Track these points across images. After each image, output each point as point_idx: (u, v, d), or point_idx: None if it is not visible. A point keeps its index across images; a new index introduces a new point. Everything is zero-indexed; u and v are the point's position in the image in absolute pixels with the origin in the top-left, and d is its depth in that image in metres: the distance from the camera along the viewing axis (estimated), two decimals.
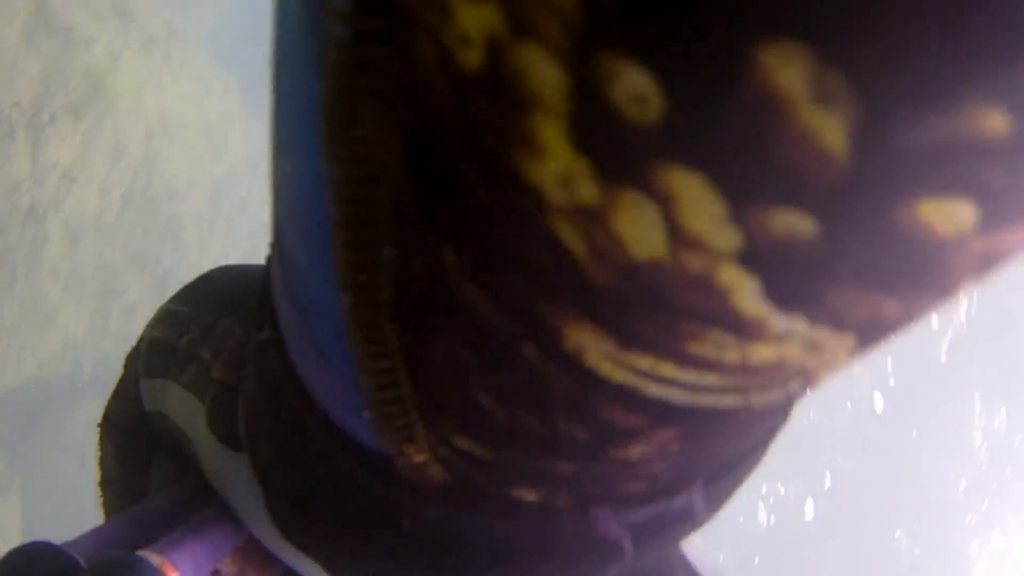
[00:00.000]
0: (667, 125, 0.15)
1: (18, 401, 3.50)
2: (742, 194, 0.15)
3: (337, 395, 0.30)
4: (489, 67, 0.16)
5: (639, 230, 0.17)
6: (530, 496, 0.27)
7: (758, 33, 0.13)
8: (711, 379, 0.20)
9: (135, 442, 0.60)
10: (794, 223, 0.16)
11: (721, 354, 0.19)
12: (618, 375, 0.20)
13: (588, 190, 0.16)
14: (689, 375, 0.20)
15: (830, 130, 0.14)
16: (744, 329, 0.18)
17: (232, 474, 0.47)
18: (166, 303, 0.57)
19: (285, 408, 0.33)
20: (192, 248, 4.27)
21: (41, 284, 3.52)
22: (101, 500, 0.64)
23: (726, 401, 0.21)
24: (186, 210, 4.24)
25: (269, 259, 0.33)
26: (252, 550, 0.53)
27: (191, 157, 4.25)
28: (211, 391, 0.48)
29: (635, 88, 0.15)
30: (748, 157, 0.15)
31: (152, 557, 0.45)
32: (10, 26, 3.15)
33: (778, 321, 0.18)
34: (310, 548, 0.38)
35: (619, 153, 0.16)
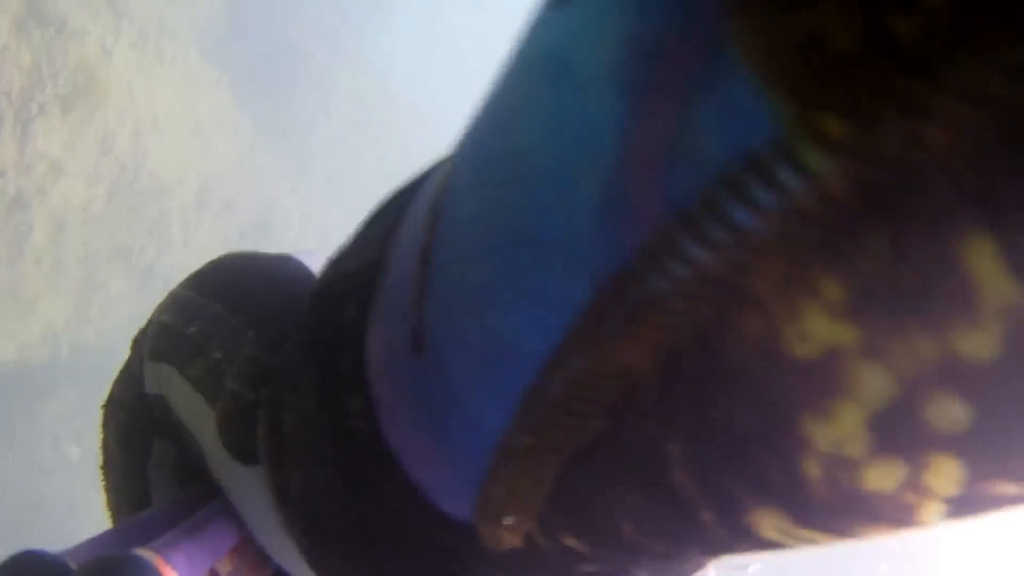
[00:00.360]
0: (962, 436, 0.18)
1: None
2: (985, 477, 0.18)
3: (443, 479, 0.30)
4: (816, 362, 0.18)
5: (882, 479, 0.19)
6: (590, 568, 0.30)
7: None
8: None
9: (137, 424, 0.60)
10: (1007, 490, 0.19)
11: (873, 534, 0.22)
12: (774, 536, 0.23)
13: (856, 451, 0.19)
14: (833, 540, 0.23)
15: None
16: (906, 526, 0.21)
17: (240, 485, 0.48)
18: (176, 287, 0.57)
19: (355, 462, 0.34)
20: (178, 243, 4.31)
21: (24, 271, 3.56)
22: (103, 484, 0.64)
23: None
24: (173, 205, 4.27)
25: (337, 321, 0.35)
26: (247, 550, 0.53)
27: (180, 153, 4.29)
28: (223, 399, 0.48)
29: (952, 416, 0.17)
30: (1010, 463, 0.18)
31: (146, 554, 0.45)
32: (1, 15, 3.20)
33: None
34: None
35: (909, 441, 0.18)
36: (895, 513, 0.20)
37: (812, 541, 0.23)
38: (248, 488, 0.47)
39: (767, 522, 0.22)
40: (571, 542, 0.27)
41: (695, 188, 0.19)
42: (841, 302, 0.17)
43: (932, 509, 0.20)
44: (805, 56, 0.16)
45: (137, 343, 0.60)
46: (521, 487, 0.26)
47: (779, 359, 0.19)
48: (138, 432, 0.60)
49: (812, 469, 0.20)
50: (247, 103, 4.80)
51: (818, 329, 0.18)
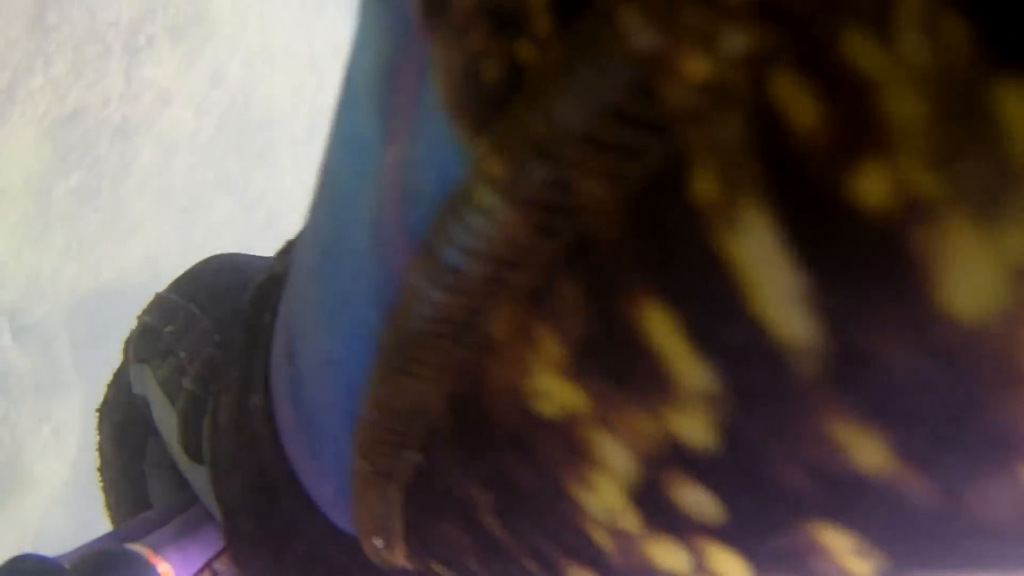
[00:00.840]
0: (722, 528, 0.16)
1: (93, 307, 3.68)
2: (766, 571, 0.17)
3: (321, 493, 0.30)
4: (563, 424, 0.17)
5: (669, 558, 0.18)
6: None
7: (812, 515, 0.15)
8: None
9: (130, 424, 0.61)
10: None
11: None
12: None
13: (631, 525, 0.18)
14: None
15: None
16: None
17: (200, 486, 0.48)
18: (163, 289, 0.59)
19: (261, 466, 0.34)
20: (286, 174, 4.33)
21: (127, 197, 3.65)
22: (100, 485, 0.66)
23: None
24: (283, 137, 4.28)
25: (260, 316, 0.35)
26: None
27: (293, 85, 4.26)
28: (181, 400, 0.49)
29: (701, 506, 0.16)
30: (784, 564, 0.16)
31: (137, 548, 0.46)
32: None
33: None
34: None
35: (673, 523, 0.17)
36: None
37: None
38: (203, 489, 0.47)
39: None
40: (440, 569, 0.27)
41: (423, 225, 0.18)
42: (564, 361, 0.17)
43: None
44: (469, 86, 0.16)
45: (127, 344, 0.60)
46: (377, 512, 0.26)
47: (529, 415, 0.18)
48: (131, 432, 0.61)
49: (600, 537, 0.19)
50: None
51: (551, 388, 0.17)
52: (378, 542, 0.27)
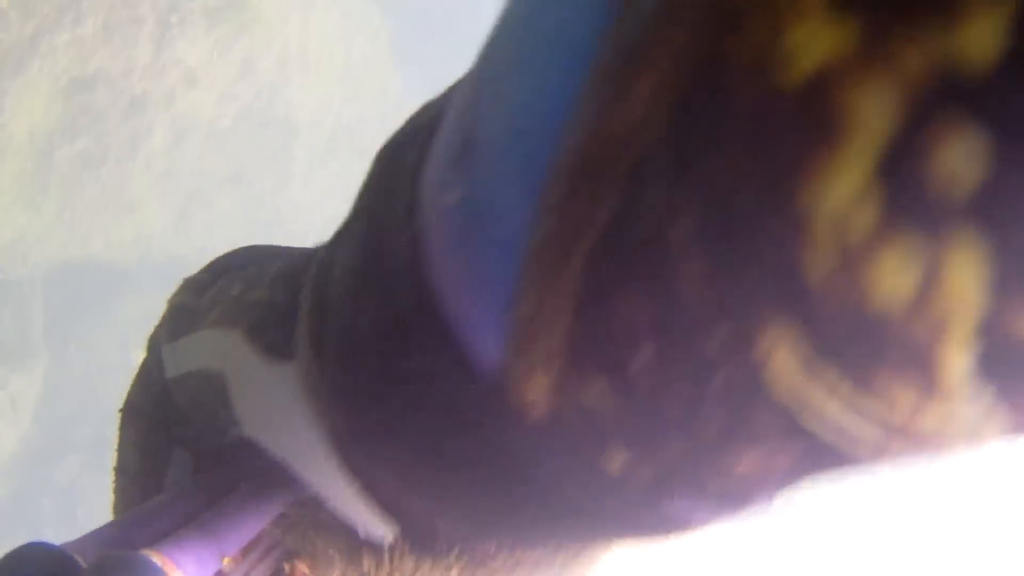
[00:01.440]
0: (976, 198, 0.15)
1: (75, 277, 3.56)
2: (1010, 291, 0.16)
3: (476, 312, 0.29)
4: (812, 89, 0.17)
5: (897, 275, 0.17)
6: (613, 463, 0.27)
7: None
8: (872, 420, 0.20)
9: (157, 432, 0.61)
10: None
11: (896, 401, 0.19)
12: (787, 392, 0.20)
13: (865, 224, 0.17)
14: (864, 404, 0.20)
15: None
16: (929, 390, 0.18)
17: (272, 386, 0.46)
18: (191, 275, 0.59)
19: (398, 308, 0.33)
20: (296, 180, 4.24)
21: (131, 173, 3.54)
22: (113, 486, 0.65)
23: (861, 452, 0.22)
24: (301, 142, 4.20)
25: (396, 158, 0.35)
26: (251, 548, 0.53)
27: (322, 92, 4.20)
28: (249, 313, 0.49)
29: (960, 158, 0.15)
30: None
31: (154, 556, 0.45)
32: None
33: (967, 402, 0.18)
34: (379, 463, 0.38)
35: (919, 206, 0.16)
36: (909, 356, 0.18)
37: (838, 393, 0.20)
38: (277, 391, 0.45)
39: (783, 352, 0.20)
40: (595, 390, 0.25)
41: None
42: None
43: (954, 354, 0.17)
44: None
45: (153, 338, 0.60)
46: (544, 310, 0.25)
47: (773, 90, 0.17)
48: (158, 440, 0.61)
49: (816, 261, 0.18)
50: (405, 56, 4.66)
51: (810, 36, 0.16)
52: (537, 355, 0.26)
